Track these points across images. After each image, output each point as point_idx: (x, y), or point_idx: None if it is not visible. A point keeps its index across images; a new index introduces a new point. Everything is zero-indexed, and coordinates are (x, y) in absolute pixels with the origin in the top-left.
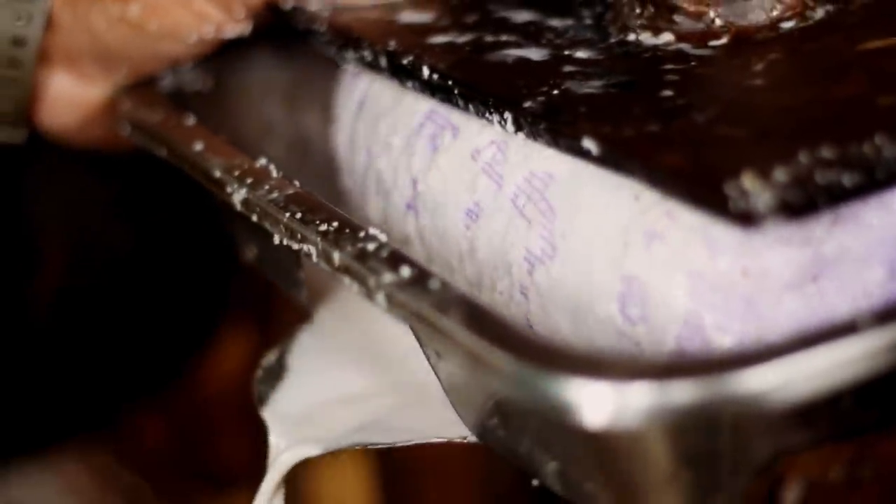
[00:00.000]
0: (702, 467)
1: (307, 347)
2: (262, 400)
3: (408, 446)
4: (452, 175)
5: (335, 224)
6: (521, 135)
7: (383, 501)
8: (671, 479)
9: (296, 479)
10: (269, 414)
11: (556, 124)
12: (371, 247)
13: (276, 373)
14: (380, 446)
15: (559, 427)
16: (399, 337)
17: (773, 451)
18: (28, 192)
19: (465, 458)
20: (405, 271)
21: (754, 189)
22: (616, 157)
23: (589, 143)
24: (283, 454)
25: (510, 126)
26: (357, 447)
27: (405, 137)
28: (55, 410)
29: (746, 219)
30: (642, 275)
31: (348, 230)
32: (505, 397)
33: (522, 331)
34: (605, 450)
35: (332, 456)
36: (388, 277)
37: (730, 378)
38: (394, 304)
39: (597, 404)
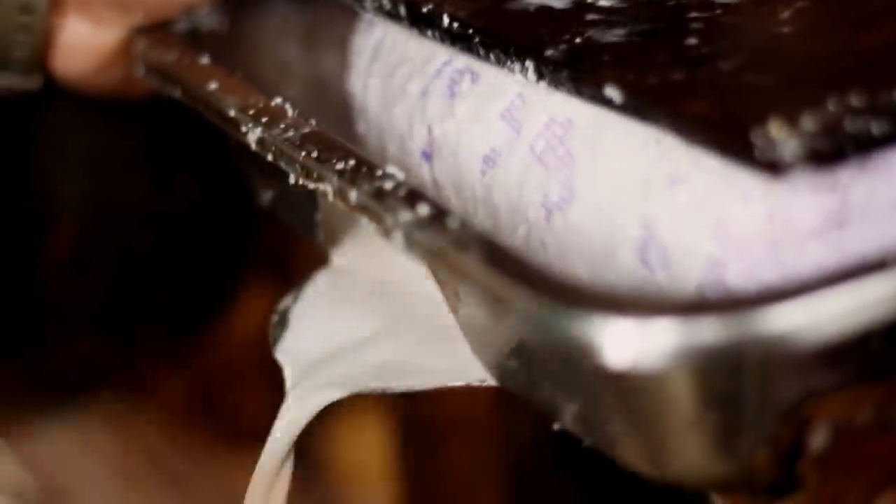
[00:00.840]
0: (727, 409)
1: (323, 290)
2: (278, 344)
3: (427, 401)
4: (469, 121)
5: (352, 162)
6: (542, 83)
7: (402, 464)
8: (695, 421)
9: (312, 442)
10: (284, 358)
11: (578, 72)
12: (388, 185)
13: (292, 316)
14: (398, 391)
15: (581, 367)
16: (418, 279)
17: (799, 393)
18: (42, 147)
19: (485, 419)
20: (423, 210)
21: (781, 137)
22: (640, 106)
23: (612, 92)
24: (297, 399)
25: (531, 75)
26: (375, 392)
27: (422, 83)
28: (75, 370)
29: (773, 167)
30: (663, 220)
31: (365, 169)
32: (525, 337)
33: (543, 269)
34: (627, 391)
35: (350, 417)
36: (405, 216)
37: (756, 316)
38: (411, 243)
39: (620, 343)
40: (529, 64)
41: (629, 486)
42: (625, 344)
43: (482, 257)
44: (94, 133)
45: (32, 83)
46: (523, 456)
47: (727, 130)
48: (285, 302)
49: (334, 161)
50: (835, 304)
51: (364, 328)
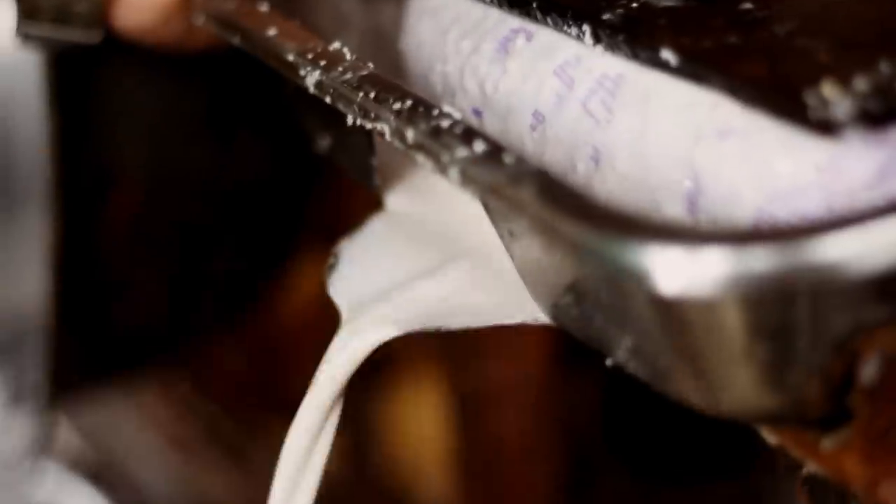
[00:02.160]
0: (778, 340)
1: (379, 232)
2: (333, 284)
3: (482, 369)
4: (522, 78)
5: (409, 102)
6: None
7: (456, 432)
8: (746, 353)
9: (366, 410)
10: (339, 297)
11: (634, 36)
12: (445, 123)
13: (347, 257)
14: (452, 329)
15: (633, 297)
16: (472, 221)
17: (851, 325)
18: (106, 110)
19: (539, 387)
20: (479, 146)
21: (834, 97)
22: (695, 68)
23: (667, 55)
24: (349, 337)
25: (588, 38)
26: (429, 330)
27: (474, 41)
28: (131, 338)
29: (826, 127)
30: (713, 171)
31: (422, 108)
32: (579, 269)
33: (598, 200)
34: (678, 320)
35: (405, 386)
36: (461, 152)
37: (808, 245)
38: (467, 179)
39: (671, 271)
40: (586, 28)
41: (684, 457)
42: (676, 271)
43: (537, 190)
44: (155, 97)
45: (93, 37)
46: (578, 423)
47: (781, 92)
48: (341, 245)
49: (392, 101)
50: (888, 234)
51: (418, 267)
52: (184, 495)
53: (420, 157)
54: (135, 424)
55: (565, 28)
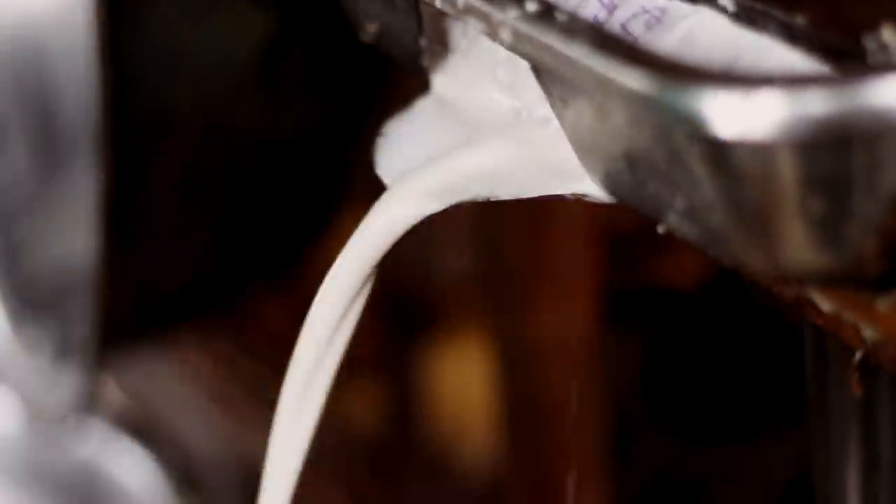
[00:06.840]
0: (834, 191)
1: (426, 112)
2: (380, 162)
3: (527, 326)
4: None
5: None
6: None
7: (501, 391)
8: (802, 205)
9: (410, 368)
10: (384, 173)
11: None
12: None
13: (393, 135)
14: (497, 199)
15: (690, 148)
16: (521, 99)
17: None
18: (162, 59)
19: (585, 346)
20: (531, 5)
21: (893, 42)
22: (752, 14)
23: (725, 1)
24: (391, 203)
25: None
26: (472, 200)
27: None
28: (176, 294)
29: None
30: None
31: None
32: (634, 126)
33: (651, 49)
34: (735, 168)
35: (449, 342)
36: (512, 13)
37: (868, 87)
38: (519, 39)
39: (728, 114)
40: None
41: (726, 416)
42: (733, 115)
43: (591, 43)
44: (206, 45)
45: None
46: (621, 382)
47: (839, 36)
48: (388, 125)
49: None
50: None
51: (463, 139)
52: (227, 452)
53: (471, 21)
54: (179, 381)
55: None
